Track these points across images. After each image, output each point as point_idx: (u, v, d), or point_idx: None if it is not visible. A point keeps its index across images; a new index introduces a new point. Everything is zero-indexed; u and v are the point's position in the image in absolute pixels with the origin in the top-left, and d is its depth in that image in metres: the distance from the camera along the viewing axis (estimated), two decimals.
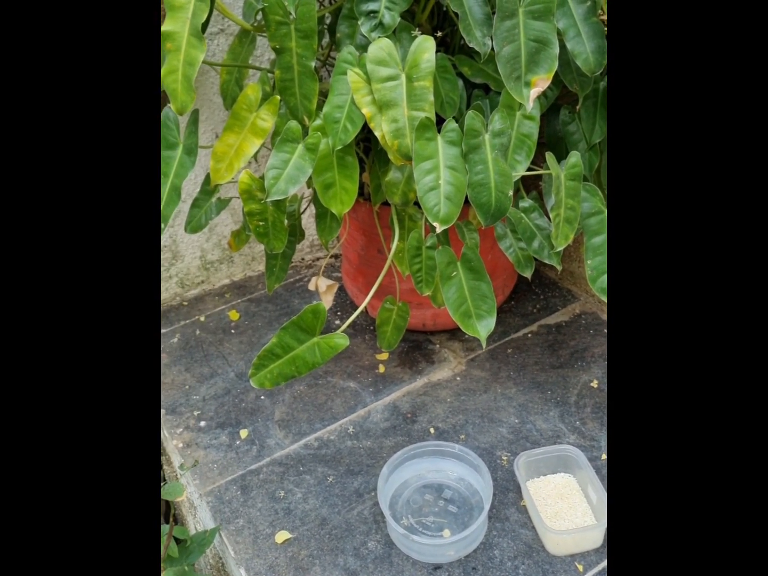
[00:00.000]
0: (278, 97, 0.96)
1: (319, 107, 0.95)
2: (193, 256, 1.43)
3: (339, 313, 1.36)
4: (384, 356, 1.23)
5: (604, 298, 0.89)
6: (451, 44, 1.11)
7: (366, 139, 1.10)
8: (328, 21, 1.12)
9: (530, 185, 1.23)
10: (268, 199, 0.91)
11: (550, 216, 0.94)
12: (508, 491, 0.96)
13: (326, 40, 1.13)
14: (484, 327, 0.95)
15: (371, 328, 1.30)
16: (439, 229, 0.86)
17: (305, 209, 1.21)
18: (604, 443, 1.03)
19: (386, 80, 0.89)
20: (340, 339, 0.93)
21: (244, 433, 1.09)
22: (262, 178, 0.93)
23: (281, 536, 0.92)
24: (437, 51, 1.02)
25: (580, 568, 0.86)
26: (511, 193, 0.89)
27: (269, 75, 1.06)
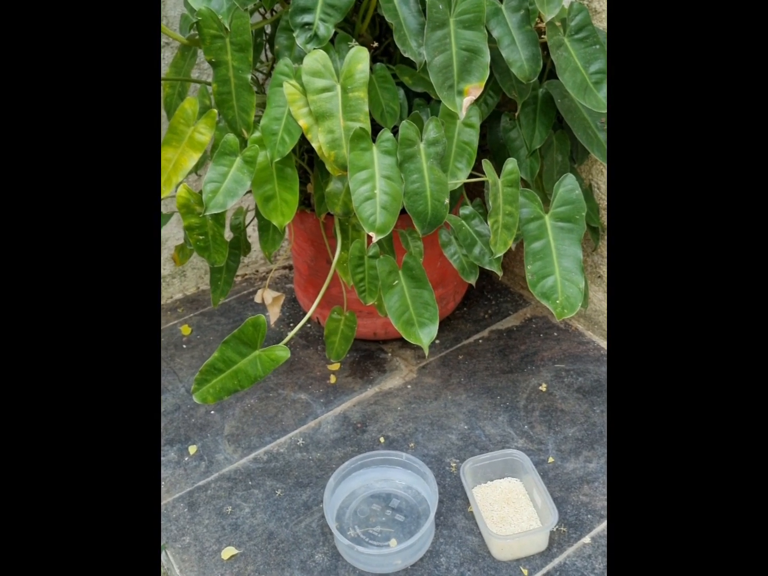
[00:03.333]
0: (216, 111, 0.95)
1: (259, 120, 0.95)
2: None
3: (291, 324, 1.35)
4: (335, 366, 1.23)
5: (544, 302, 0.90)
6: (393, 54, 1.12)
7: (310, 150, 1.10)
8: (269, 32, 1.12)
9: (475, 193, 1.24)
10: (207, 213, 0.90)
11: (489, 222, 0.94)
12: (456, 498, 0.97)
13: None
14: (426, 335, 0.95)
15: (324, 339, 1.29)
16: (375, 238, 0.86)
17: (251, 221, 1.20)
18: (551, 446, 1.04)
19: (322, 91, 0.89)
20: (281, 351, 0.92)
21: (192, 449, 1.08)
22: (202, 192, 0.92)
23: (227, 552, 0.91)
24: (380, 61, 1.03)
25: (525, 572, 0.86)
26: (447, 201, 0.89)
27: (208, 88, 1.05)
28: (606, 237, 1.17)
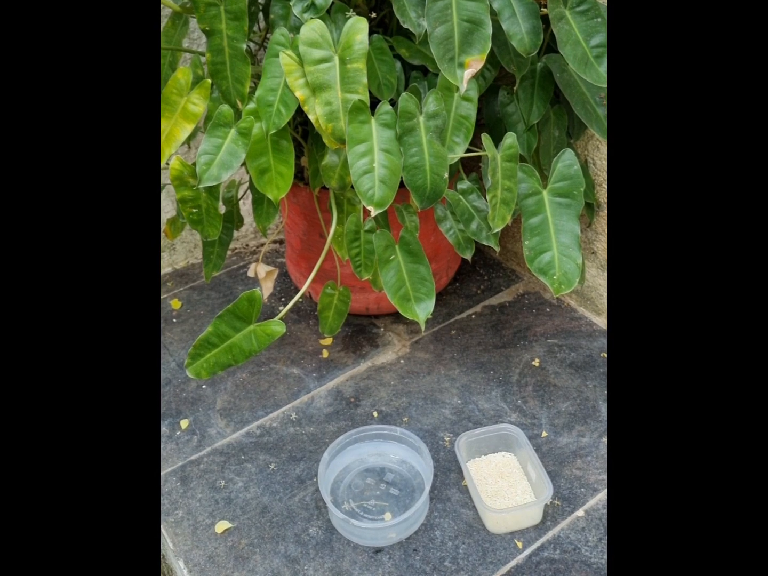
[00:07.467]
0: (209, 81, 0.94)
1: (253, 91, 0.94)
2: None
3: (283, 299, 1.34)
4: (328, 341, 1.22)
5: (541, 278, 0.90)
6: (389, 26, 1.10)
7: (304, 123, 1.08)
8: (263, 1, 1.09)
9: (470, 167, 1.23)
10: (201, 186, 0.89)
11: (487, 197, 0.94)
12: (450, 472, 0.97)
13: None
14: (422, 310, 0.95)
15: (315, 313, 1.29)
16: (373, 212, 0.85)
17: (243, 195, 1.19)
18: (544, 421, 1.04)
19: (319, 62, 0.87)
20: (276, 326, 0.92)
21: (184, 424, 1.07)
22: (195, 164, 0.91)
23: (221, 526, 0.91)
24: (376, 32, 1.01)
25: (520, 545, 0.87)
26: (446, 175, 0.89)
27: (201, 58, 1.03)
28: (602, 213, 1.17)
